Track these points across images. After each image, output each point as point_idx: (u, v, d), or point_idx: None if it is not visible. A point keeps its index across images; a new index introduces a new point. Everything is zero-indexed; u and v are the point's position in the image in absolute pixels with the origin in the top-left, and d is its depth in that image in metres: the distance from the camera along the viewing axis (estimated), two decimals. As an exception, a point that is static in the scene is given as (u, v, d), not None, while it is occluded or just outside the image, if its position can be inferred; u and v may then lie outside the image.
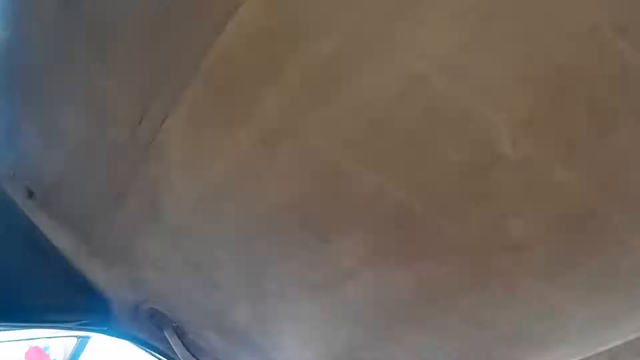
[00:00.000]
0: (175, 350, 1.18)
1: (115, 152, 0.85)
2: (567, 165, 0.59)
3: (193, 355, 1.18)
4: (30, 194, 1.23)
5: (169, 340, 1.17)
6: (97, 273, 1.20)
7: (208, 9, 0.60)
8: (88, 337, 1.54)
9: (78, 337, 1.59)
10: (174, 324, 1.18)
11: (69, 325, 1.36)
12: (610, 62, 0.53)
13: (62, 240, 1.24)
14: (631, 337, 0.78)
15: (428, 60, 0.56)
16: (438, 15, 0.54)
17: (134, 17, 0.71)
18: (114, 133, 0.83)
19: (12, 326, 1.32)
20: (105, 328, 1.31)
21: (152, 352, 1.32)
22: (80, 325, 1.35)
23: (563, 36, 0.53)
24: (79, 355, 1.64)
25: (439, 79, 0.56)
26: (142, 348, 1.34)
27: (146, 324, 1.20)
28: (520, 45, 0.54)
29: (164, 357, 1.30)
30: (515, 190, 0.62)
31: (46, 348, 2.61)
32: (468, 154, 0.60)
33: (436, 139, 0.61)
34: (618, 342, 0.79)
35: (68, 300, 1.33)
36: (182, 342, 1.18)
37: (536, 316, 0.76)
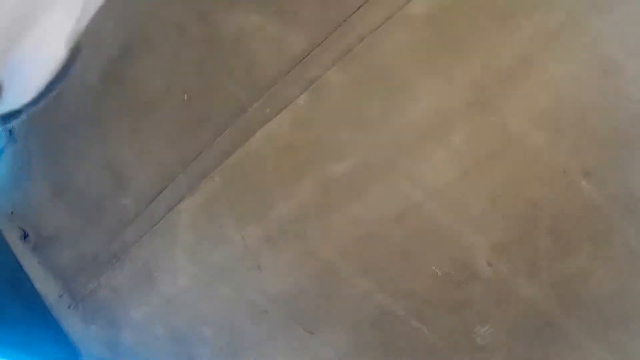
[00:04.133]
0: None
1: (123, 219, 0.90)
2: (531, 282, 0.67)
3: None
4: (25, 236, 1.26)
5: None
6: (74, 326, 1.20)
7: (243, 116, 0.69)
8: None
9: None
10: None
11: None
12: (574, 199, 0.63)
13: (45, 286, 1.25)
14: None
15: (424, 190, 0.65)
16: (440, 154, 0.64)
17: (170, 105, 0.79)
18: (127, 202, 0.88)
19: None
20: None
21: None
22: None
23: (538, 178, 0.63)
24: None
25: (431, 206, 0.65)
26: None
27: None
28: (502, 184, 0.64)
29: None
30: (485, 302, 0.70)
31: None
32: (448, 269, 0.67)
33: (422, 255, 0.69)
34: None
35: (39, 344, 1.31)
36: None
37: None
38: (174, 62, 0.77)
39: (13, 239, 1.26)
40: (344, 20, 0.64)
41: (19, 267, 1.27)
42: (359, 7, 0.64)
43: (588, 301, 0.69)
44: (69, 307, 1.19)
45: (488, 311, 0.68)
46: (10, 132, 1.11)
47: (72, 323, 1.20)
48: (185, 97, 0.75)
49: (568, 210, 0.64)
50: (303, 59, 0.65)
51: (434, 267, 0.66)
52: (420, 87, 0.62)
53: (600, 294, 0.68)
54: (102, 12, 0.80)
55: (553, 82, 0.63)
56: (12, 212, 1.26)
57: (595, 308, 0.69)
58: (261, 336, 0.85)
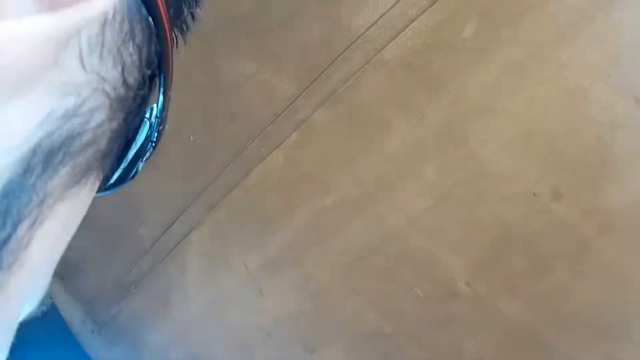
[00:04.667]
0: None
1: (140, 249, 0.98)
2: (510, 298, 0.71)
3: None
4: (51, 266, 1.35)
5: None
6: (97, 349, 1.28)
7: (242, 154, 0.77)
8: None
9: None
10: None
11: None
12: (546, 220, 0.67)
13: (70, 313, 1.34)
14: None
15: (403, 218, 0.71)
16: (416, 184, 0.70)
17: (179, 145, 0.87)
18: (143, 233, 0.96)
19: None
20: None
21: None
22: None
23: (510, 202, 0.68)
24: None
25: (410, 232, 0.71)
26: None
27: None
28: (475, 209, 0.69)
29: None
30: (468, 319, 0.74)
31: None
32: (430, 290, 0.73)
33: (405, 277, 0.74)
34: None
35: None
36: None
37: None
38: (181, 106, 0.85)
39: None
40: (328, 66, 0.71)
41: (46, 294, 1.36)
42: (341, 54, 0.71)
43: (572, 314, 0.72)
44: (92, 332, 1.27)
45: (471, 327, 0.73)
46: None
47: (96, 347, 1.28)
48: (192, 138, 0.83)
49: (541, 231, 0.69)
50: (292, 102, 0.72)
51: (416, 289, 0.72)
52: (396, 124, 0.68)
53: (583, 306, 0.72)
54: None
55: (520, 112, 0.68)
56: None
57: (581, 320, 0.72)
58: (268, 356, 0.91)
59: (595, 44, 0.66)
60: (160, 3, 0.23)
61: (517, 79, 0.68)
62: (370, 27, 0.70)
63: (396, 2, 0.69)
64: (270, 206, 0.76)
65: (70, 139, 0.19)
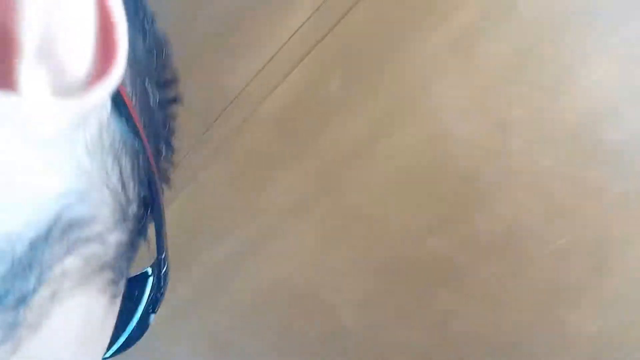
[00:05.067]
0: None
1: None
2: (395, 329, 0.76)
3: None
4: None
5: None
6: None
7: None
8: None
9: None
10: None
11: None
12: (423, 254, 0.73)
13: None
14: None
15: (290, 265, 0.76)
16: (301, 231, 0.75)
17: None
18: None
19: None
20: None
21: None
22: None
23: (388, 241, 0.73)
24: None
25: (299, 277, 0.76)
26: None
27: None
28: (357, 250, 0.74)
29: None
30: (358, 350, 0.79)
31: None
32: (321, 327, 0.79)
33: (298, 318, 0.80)
34: None
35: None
36: None
37: None
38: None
39: None
40: (209, 127, 0.76)
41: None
42: (220, 115, 0.76)
43: (460, 333, 0.77)
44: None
45: (363, 357, 0.78)
46: None
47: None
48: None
49: (420, 264, 0.74)
50: (180, 163, 0.77)
51: (308, 328, 0.77)
52: (273, 180, 0.73)
53: (469, 325, 0.76)
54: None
55: (387, 159, 0.72)
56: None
57: (468, 337, 0.77)
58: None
59: (458, 84, 0.70)
60: (141, 131, 0.24)
61: (384, 125, 0.72)
62: (245, 87, 0.75)
63: (268, 62, 0.73)
64: (173, 258, 0.80)
65: (82, 222, 0.20)
